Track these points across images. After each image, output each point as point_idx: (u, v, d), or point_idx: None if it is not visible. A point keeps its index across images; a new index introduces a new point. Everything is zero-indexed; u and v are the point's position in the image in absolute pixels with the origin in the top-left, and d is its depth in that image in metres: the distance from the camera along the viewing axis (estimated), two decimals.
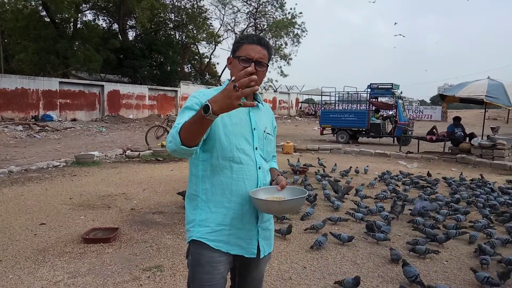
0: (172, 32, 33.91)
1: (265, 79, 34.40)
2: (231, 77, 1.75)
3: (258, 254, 1.76)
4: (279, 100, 37.36)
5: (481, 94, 10.11)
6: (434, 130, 12.26)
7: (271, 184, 1.80)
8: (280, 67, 34.57)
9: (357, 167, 8.24)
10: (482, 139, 10.67)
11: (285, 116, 35.27)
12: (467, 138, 11.35)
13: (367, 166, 8.53)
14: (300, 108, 40.11)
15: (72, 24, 26.19)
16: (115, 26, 31.41)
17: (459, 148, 11.00)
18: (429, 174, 7.84)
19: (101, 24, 30.62)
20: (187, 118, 1.48)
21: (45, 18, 24.45)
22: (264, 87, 36.96)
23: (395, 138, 14.86)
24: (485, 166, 9.61)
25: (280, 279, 3.27)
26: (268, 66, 1.76)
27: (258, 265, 1.84)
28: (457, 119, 11.72)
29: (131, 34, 32.38)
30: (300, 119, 33.85)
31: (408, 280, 3.00)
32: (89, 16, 29.74)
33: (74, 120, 20.18)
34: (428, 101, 68.04)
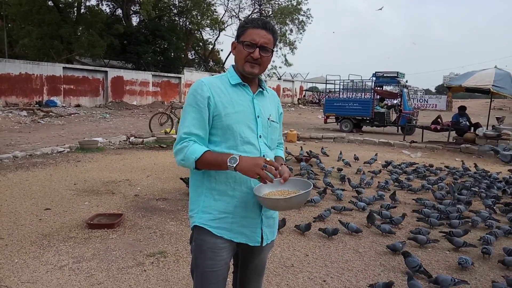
0: (176, 18, 33.61)
1: (269, 67, 34.20)
2: (235, 64, 1.75)
3: (261, 242, 1.77)
4: (283, 88, 37.20)
5: (488, 83, 10.00)
6: (438, 119, 12.18)
7: None
8: (285, 55, 34.32)
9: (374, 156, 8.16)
10: (487, 129, 10.60)
11: (289, 104, 35.14)
12: (472, 128, 11.28)
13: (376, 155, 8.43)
14: (304, 96, 39.92)
15: (75, 9, 25.99)
16: (119, 11, 31.19)
17: (464, 138, 10.94)
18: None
19: (105, 9, 30.39)
20: (194, 123, 1.64)
21: (49, 3, 24.27)
22: (268, 75, 36.75)
23: (399, 127, 14.79)
24: (489, 156, 9.56)
25: (283, 266, 3.29)
26: (273, 51, 1.74)
27: (261, 252, 1.85)
28: (462, 109, 11.63)
29: (134, 20, 32.20)
30: (303, 107, 33.72)
31: (412, 271, 3.01)
32: (92, 1, 29.62)
33: (78, 106, 20.22)
34: (433, 90, 67.50)
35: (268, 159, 1.55)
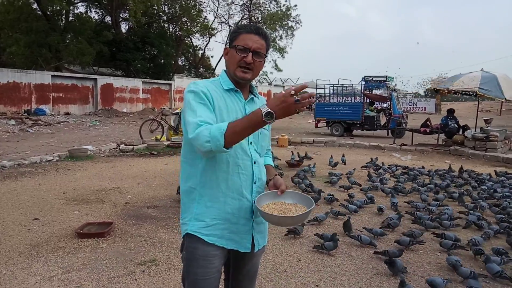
0: (165, 25, 33.61)
1: (260, 72, 34.21)
2: (226, 68, 1.74)
3: (253, 248, 1.76)
4: (274, 93, 37.30)
5: (474, 86, 10.15)
6: (428, 122, 12.31)
7: (267, 182, 1.80)
8: (275, 60, 34.50)
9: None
10: (475, 131, 10.74)
11: None
12: (461, 130, 11.42)
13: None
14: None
15: (64, 16, 25.84)
16: (108, 18, 31.06)
17: (453, 140, 11.07)
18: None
19: (93, 17, 30.25)
20: (206, 114, 1.54)
21: (37, 11, 24.09)
22: (259, 80, 36.86)
23: (389, 131, 14.91)
24: (478, 158, 9.68)
25: (275, 271, 3.28)
26: (266, 56, 1.73)
27: (252, 258, 1.84)
28: (450, 111, 11.78)
29: (124, 27, 32.10)
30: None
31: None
32: (81, 8, 29.41)
33: (67, 114, 20.03)
34: (422, 93, 68.21)
35: (292, 92, 1.41)
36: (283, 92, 1.40)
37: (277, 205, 1.67)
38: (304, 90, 1.46)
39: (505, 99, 10.21)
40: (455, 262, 3.20)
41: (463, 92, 11.17)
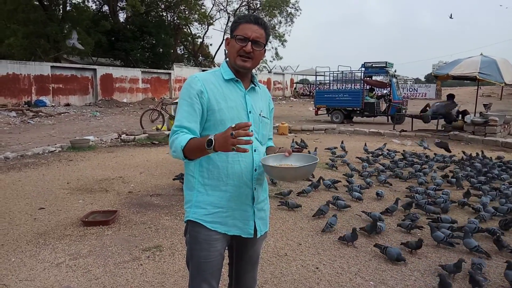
0: (163, 14, 33.31)
1: (260, 61, 33.97)
2: (226, 58, 1.79)
3: (255, 234, 1.82)
4: (274, 81, 37.20)
5: (474, 71, 10.16)
6: (427, 108, 12.34)
7: None
8: (276, 48, 34.31)
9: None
10: (474, 116, 10.77)
11: (280, 97, 35.17)
12: (460, 115, 11.45)
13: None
14: (295, 88, 39.96)
15: (61, 6, 25.64)
16: (106, 8, 30.80)
17: (452, 125, 11.11)
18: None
19: (91, 6, 30.01)
20: (185, 116, 1.64)
21: (34, 1, 23.89)
22: (258, 68, 36.69)
23: (389, 117, 14.93)
24: (477, 143, 9.74)
25: (276, 255, 3.37)
26: (265, 45, 1.77)
27: (255, 243, 1.90)
28: (450, 97, 11.80)
29: (122, 16, 31.79)
30: (294, 99, 33.79)
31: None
32: None
33: (67, 105, 20.04)
34: (423, 79, 67.95)
35: (233, 125, 1.43)
36: (228, 131, 1.42)
37: (283, 166, 1.71)
38: (246, 127, 1.42)
39: (505, 83, 10.24)
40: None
41: (463, 77, 11.18)
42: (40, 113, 15.90)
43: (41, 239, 3.69)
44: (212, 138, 1.45)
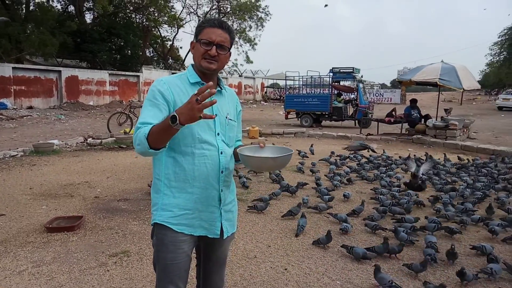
0: (132, 15, 32.74)
1: (230, 64, 34.04)
2: (193, 61, 1.81)
3: (222, 235, 1.84)
4: (245, 85, 37.29)
5: (435, 77, 10.62)
6: (393, 112, 12.78)
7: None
8: (246, 52, 34.48)
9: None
10: (436, 120, 11.24)
11: (251, 101, 35.30)
12: (423, 119, 11.92)
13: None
14: (265, 92, 40.24)
15: (24, 5, 24.69)
16: (71, 8, 29.92)
17: (415, 129, 11.55)
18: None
19: (56, 6, 29.06)
20: (151, 115, 1.62)
21: None
22: (229, 72, 36.70)
23: (356, 121, 15.33)
24: (438, 146, 10.17)
25: (246, 258, 3.40)
26: (230, 49, 1.80)
27: (222, 244, 1.92)
28: (413, 101, 12.27)
29: (88, 17, 30.98)
30: (265, 103, 34.01)
31: (384, 287, 2.80)
32: None
33: (30, 107, 19.28)
34: (389, 85, 70.03)
35: (196, 91, 1.42)
36: (192, 99, 1.41)
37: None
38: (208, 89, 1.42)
39: (463, 89, 10.76)
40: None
41: (426, 83, 11.66)
42: (0, 116, 15.22)
43: (2, 247, 3.55)
44: (175, 113, 1.44)
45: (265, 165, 1.75)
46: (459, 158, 7.86)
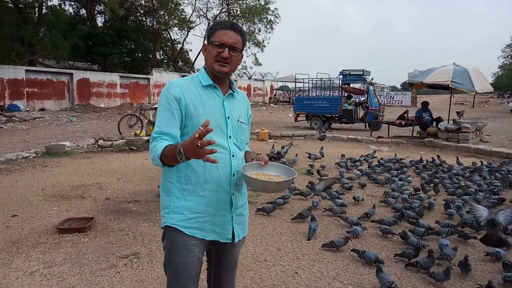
0: (143, 18, 33.07)
1: (239, 66, 34.12)
2: (205, 64, 1.81)
3: (233, 239, 1.83)
4: (254, 88, 37.34)
5: (447, 79, 10.48)
6: (405, 114, 12.66)
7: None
8: (254, 54, 34.54)
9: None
10: (448, 123, 11.10)
11: (260, 103, 35.31)
12: (434, 122, 11.78)
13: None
14: (274, 95, 40.22)
15: (37, 9, 25.08)
16: (83, 11, 30.32)
17: (427, 132, 11.41)
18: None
19: (68, 10, 29.49)
20: (165, 122, 1.66)
21: (8, 3, 23.30)
22: (239, 74, 36.80)
23: (367, 124, 15.22)
24: (451, 149, 10.04)
25: (256, 261, 3.38)
26: (242, 51, 1.79)
27: (233, 249, 1.91)
28: (425, 104, 12.13)
29: (100, 20, 31.39)
30: (274, 106, 33.99)
31: (384, 287, 2.79)
32: (54, 0, 28.65)
33: (42, 109, 19.57)
34: (399, 87, 69.55)
35: (197, 135, 1.40)
36: (194, 142, 1.40)
37: (259, 176, 1.74)
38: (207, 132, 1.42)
39: (476, 91, 10.60)
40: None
41: (437, 85, 11.52)
42: (13, 118, 15.46)
43: (14, 247, 3.58)
44: (181, 150, 1.45)
45: (269, 188, 1.76)
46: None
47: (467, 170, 7.01)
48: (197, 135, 1.39)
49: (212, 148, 1.69)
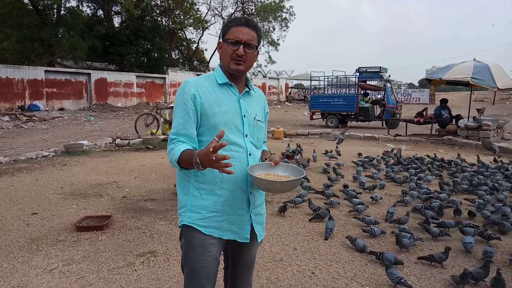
0: (158, 18, 33.36)
1: (254, 65, 34.11)
2: (220, 62, 1.79)
3: (255, 238, 1.81)
4: (269, 86, 37.28)
5: (467, 76, 10.23)
6: (424, 112, 12.43)
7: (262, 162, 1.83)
8: (268, 52, 34.45)
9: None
10: (468, 120, 10.84)
11: (275, 102, 35.23)
12: (454, 120, 11.52)
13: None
14: (290, 93, 40.07)
15: (55, 10, 25.58)
16: (100, 12, 30.80)
17: (446, 130, 11.17)
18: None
19: (85, 11, 30.02)
20: (181, 123, 1.65)
21: (28, 5, 23.83)
22: (253, 73, 36.78)
23: (384, 122, 14.99)
24: (471, 147, 9.80)
25: (272, 260, 3.35)
26: (257, 47, 1.76)
27: (251, 248, 1.89)
28: (444, 101, 11.87)
29: (116, 21, 31.84)
30: (289, 104, 33.87)
31: (393, 282, 2.87)
32: (72, 2, 29.24)
33: (61, 109, 19.96)
34: (417, 84, 68.46)
35: (211, 149, 1.39)
36: (211, 145, 1.39)
37: (269, 176, 1.70)
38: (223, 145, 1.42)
39: (498, 88, 10.31)
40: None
41: (456, 82, 11.27)
42: (33, 118, 15.80)
43: (34, 245, 3.64)
44: (198, 160, 1.47)
45: (273, 188, 1.71)
46: (494, 160, 7.53)
47: (488, 169, 6.82)
48: (211, 149, 1.38)
49: (228, 147, 1.68)
